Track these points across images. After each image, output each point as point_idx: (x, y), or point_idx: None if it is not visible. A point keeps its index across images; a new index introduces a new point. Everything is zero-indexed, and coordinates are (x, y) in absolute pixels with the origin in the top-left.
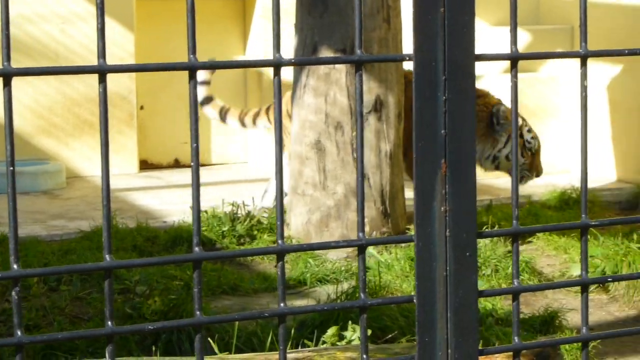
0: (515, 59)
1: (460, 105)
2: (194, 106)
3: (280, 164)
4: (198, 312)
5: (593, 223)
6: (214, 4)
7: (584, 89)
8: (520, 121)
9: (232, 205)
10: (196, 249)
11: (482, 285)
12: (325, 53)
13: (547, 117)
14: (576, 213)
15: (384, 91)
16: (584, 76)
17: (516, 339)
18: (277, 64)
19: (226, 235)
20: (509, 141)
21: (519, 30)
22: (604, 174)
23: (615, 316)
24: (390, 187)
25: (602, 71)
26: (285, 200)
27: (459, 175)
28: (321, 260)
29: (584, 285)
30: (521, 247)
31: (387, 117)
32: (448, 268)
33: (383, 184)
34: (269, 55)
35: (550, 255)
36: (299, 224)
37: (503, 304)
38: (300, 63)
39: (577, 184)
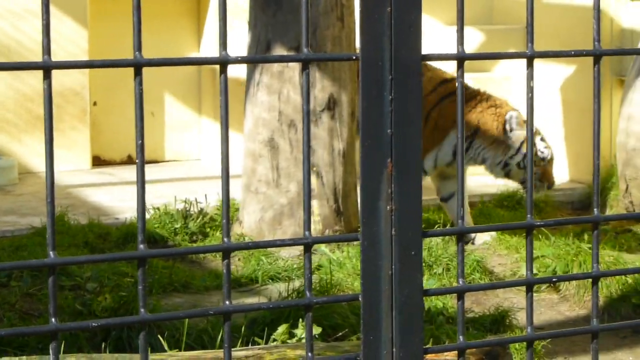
0: (461, 59)
1: (406, 104)
2: (139, 103)
3: (226, 162)
4: (142, 310)
5: (538, 223)
6: (168, 1)
7: (530, 89)
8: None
9: (185, 202)
10: (141, 246)
11: (433, 283)
12: (279, 51)
13: None
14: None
15: (338, 90)
16: (530, 77)
17: (461, 338)
18: (223, 62)
19: (178, 232)
20: (521, 148)
21: (473, 30)
22: (557, 174)
23: (565, 315)
24: (343, 185)
25: (556, 72)
26: (239, 197)
27: (405, 174)
28: (274, 258)
29: (528, 285)
30: (473, 246)
31: (340, 116)
32: (393, 267)
33: (336, 182)
34: None
35: (502, 254)
36: (252, 222)
37: (454, 302)
38: (247, 61)
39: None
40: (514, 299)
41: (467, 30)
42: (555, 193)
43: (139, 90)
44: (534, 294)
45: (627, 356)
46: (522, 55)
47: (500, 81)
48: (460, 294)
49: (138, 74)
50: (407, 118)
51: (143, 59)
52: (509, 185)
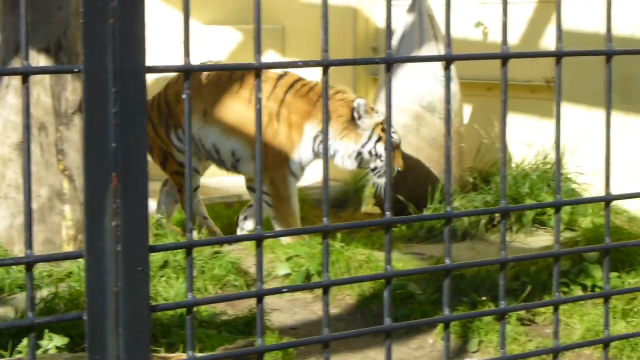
0: (187, 71)
1: (131, 117)
2: None
3: (28, 167)
4: None
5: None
6: None
7: (258, 101)
8: (381, 116)
9: None
10: None
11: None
12: (29, 52)
13: None
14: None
15: None
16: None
17: (190, 353)
18: None
19: None
20: (372, 136)
21: (231, 29)
22: (314, 172)
23: (318, 315)
24: None
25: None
26: None
27: (131, 189)
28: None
29: (259, 297)
30: (229, 247)
31: None
32: (119, 283)
33: None
34: None
35: None
36: (1, 229)
37: (207, 306)
38: None
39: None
40: (268, 299)
41: (225, 29)
42: (312, 192)
43: None
44: (288, 294)
45: (378, 354)
46: (249, 67)
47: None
48: (189, 308)
49: None
50: (133, 131)
51: None
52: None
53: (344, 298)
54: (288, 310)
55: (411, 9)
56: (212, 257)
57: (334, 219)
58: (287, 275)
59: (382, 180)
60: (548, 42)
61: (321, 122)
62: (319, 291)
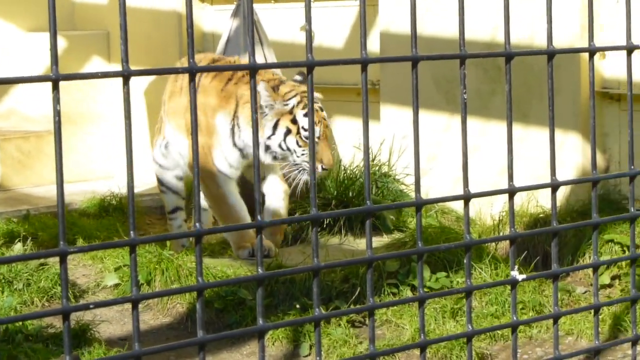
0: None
1: None
2: None
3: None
4: None
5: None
6: None
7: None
8: (294, 101)
9: None
10: None
11: (12, 300)
12: None
13: (86, 122)
14: (115, 220)
15: None
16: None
17: None
18: None
19: None
20: (278, 127)
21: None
22: (145, 178)
23: (149, 325)
24: None
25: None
26: None
27: None
28: None
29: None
30: (55, 259)
31: None
32: None
33: None
34: None
35: (87, 265)
36: None
37: (36, 320)
38: None
39: (118, 190)
40: (98, 312)
41: (48, 36)
42: (143, 199)
43: None
44: (118, 305)
45: (234, 355)
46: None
47: (86, 87)
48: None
49: None
50: None
51: None
52: (98, 191)
53: (175, 307)
54: (118, 322)
55: (235, 13)
56: (37, 269)
57: (166, 225)
58: (116, 286)
59: (303, 177)
60: (373, 46)
61: (232, 112)
62: (150, 300)
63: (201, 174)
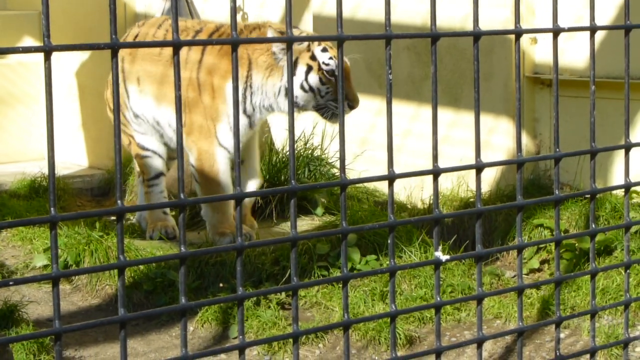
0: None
1: None
2: None
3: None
4: None
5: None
6: None
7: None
8: (305, 43)
9: None
10: None
11: None
12: None
13: (18, 103)
14: (45, 201)
15: None
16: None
17: None
18: None
19: None
20: (297, 66)
21: None
22: (76, 160)
23: (78, 306)
24: None
25: (72, 57)
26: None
27: None
28: None
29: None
30: None
31: None
32: None
33: None
34: None
35: (16, 246)
36: None
37: None
38: None
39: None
40: (26, 291)
41: None
42: (74, 180)
43: None
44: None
45: (137, 343)
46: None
47: (16, 67)
48: None
49: None
50: None
51: None
52: (28, 173)
53: (104, 288)
54: (46, 302)
55: None
56: None
57: (97, 207)
58: (45, 267)
59: (332, 118)
60: (305, 28)
61: (245, 75)
62: (78, 282)
63: (201, 148)
